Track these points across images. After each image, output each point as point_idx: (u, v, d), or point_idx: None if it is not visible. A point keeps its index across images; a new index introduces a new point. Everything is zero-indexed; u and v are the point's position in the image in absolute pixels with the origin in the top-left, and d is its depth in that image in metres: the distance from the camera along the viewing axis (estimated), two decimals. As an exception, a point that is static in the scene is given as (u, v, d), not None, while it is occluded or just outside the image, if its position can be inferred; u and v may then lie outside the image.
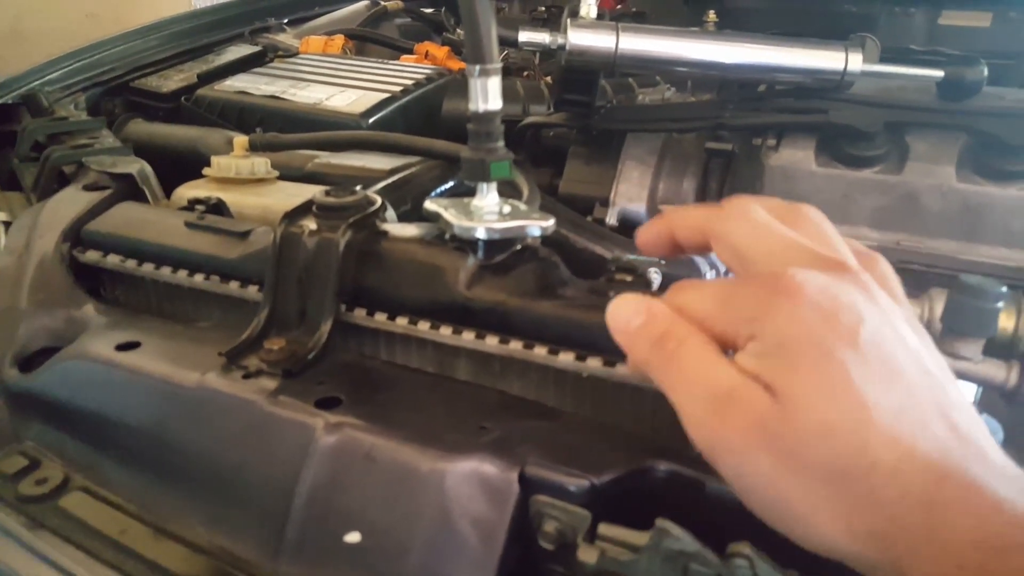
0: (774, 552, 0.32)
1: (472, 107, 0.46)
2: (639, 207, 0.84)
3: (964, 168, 0.68)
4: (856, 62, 0.68)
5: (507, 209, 0.50)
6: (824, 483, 0.26)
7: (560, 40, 0.70)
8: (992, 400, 0.43)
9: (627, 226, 0.83)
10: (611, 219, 0.84)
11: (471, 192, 0.50)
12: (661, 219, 0.37)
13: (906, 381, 0.27)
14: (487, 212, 0.49)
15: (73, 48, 1.12)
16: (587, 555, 0.35)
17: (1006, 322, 0.42)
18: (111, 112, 1.06)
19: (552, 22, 1.41)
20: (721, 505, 0.38)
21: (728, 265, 0.34)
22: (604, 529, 0.36)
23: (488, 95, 0.45)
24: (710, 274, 0.67)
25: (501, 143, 0.47)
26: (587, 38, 0.70)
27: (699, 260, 0.67)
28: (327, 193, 0.52)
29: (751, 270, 0.31)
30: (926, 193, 0.68)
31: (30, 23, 1.70)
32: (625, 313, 0.32)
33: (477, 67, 0.45)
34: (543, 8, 1.45)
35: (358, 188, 0.54)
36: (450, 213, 0.49)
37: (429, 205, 0.51)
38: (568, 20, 0.70)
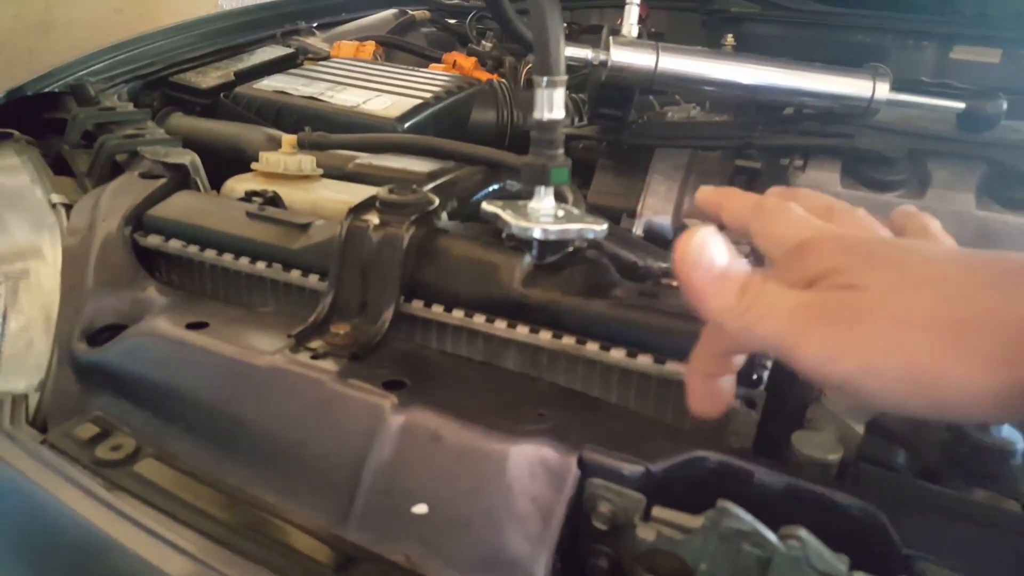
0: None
1: (536, 115, 0.49)
2: (665, 219, 0.87)
3: (982, 196, 0.71)
4: (883, 90, 0.72)
5: (561, 213, 0.53)
6: (941, 332, 0.28)
7: (602, 56, 0.73)
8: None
9: (652, 238, 0.87)
10: (637, 230, 0.87)
11: (520, 196, 0.53)
12: (718, 193, 0.41)
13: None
14: (543, 214, 0.52)
15: (101, 40, 1.15)
16: (646, 532, 0.38)
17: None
18: (150, 105, 1.09)
19: (573, 37, 1.46)
20: (767, 496, 0.41)
21: (767, 253, 0.37)
22: (658, 512, 0.39)
23: (553, 105, 0.49)
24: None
25: (561, 151, 0.51)
26: (628, 56, 0.73)
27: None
28: (390, 191, 0.55)
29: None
30: (945, 218, 0.71)
31: (60, 14, 1.73)
32: (709, 251, 0.34)
33: (545, 79, 0.48)
34: (565, 24, 1.49)
35: (415, 187, 0.57)
36: (508, 214, 0.52)
37: (487, 206, 0.54)
38: (610, 38, 0.73)
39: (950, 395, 0.28)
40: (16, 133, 0.90)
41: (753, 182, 0.83)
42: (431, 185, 0.67)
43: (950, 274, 0.30)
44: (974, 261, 0.31)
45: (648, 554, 0.38)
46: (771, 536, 0.34)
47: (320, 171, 0.79)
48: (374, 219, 0.53)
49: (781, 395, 0.46)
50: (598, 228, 0.51)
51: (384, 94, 1.03)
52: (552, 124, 0.49)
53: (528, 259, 0.52)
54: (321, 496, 0.44)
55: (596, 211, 0.88)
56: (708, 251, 0.34)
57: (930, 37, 1.28)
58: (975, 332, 0.28)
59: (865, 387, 0.30)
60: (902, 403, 0.30)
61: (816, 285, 0.32)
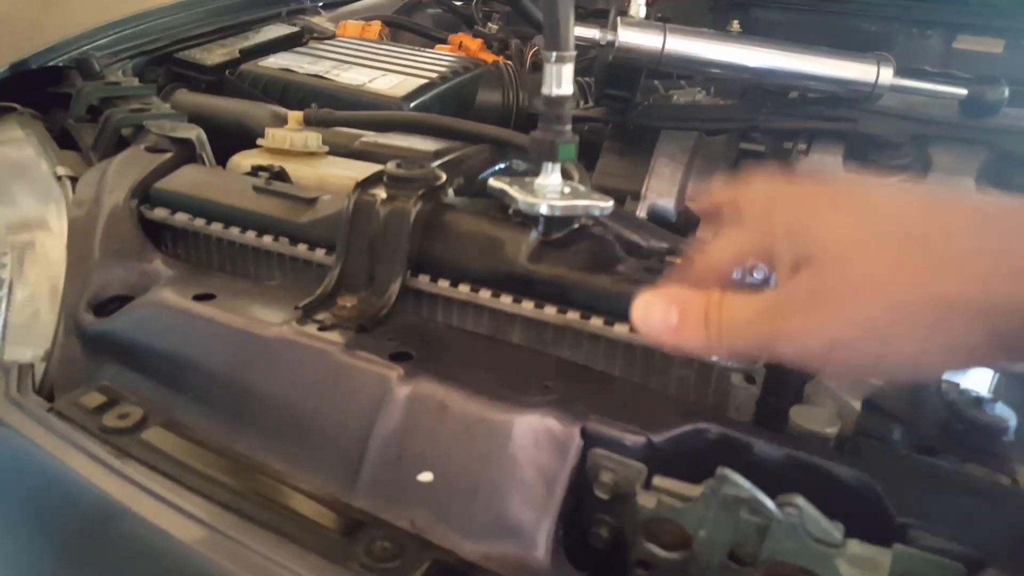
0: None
1: (545, 91, 0.50)
2: (668, 202, 0.87)
3: (983, 181, 0.72)
4: (887, 75, 0.72)
5: (567, 190, 0.53)
6: (901, 307, 0.28)
7: (610, 37, 0.73)
8: (1006, 388, 0.47)
9: (655, 220, 0.87)
10: (641, 212, 0.87)
11: (527, 174, 0.54)
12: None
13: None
14: (550, 191, 0.52)
15: (105, 14, 1.15)
16: (646, 500, 0.38)
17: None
18: (155, 81, 1.08)
19: (580, 21, 1.45)
20: (766, 467, 0.41)
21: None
22: (658, 481, 0.40)
23: (562, 81, 0.49)
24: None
25: (569, 126, 0.51)
26: (636, 37, 0.73)
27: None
28: (398, 165, 0.55)
29: None
30: (946, 203, 0.72)
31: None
32: (658, 312, 0.34)
33: (554, 54, 0.48)
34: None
35: (422, 163, 0.58)
36: (514, 190, 0.52)
37: (493, 182, 0.54)
38: (618, 18, 0.73)
39: (927, 359, 0.28)
40: (18, 107, 0.90)
41: (758, 164, 0.84)
42: (438, 162, 0.68)
43: (910, 226, 0.29)
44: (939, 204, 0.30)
45: (649, 522, 0.39)
46: (769, 503, 0.35)
47: (326, 148, 0.79)
48: (381, 193, 0.54)
49: (780, 371, 0.47)
50: (604, 205, 0.51)
51: (390, 73, 1.03)
52: (560, 99, 0.49)
53: (534, 235, 0.52)
54: (328, 464, 0.44)
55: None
56: (653, 312, 0.34)
57: (934, 26, 1.27)
58: (941, 308, 0.27)
59: (836, 362, 0.30)
60: (875, 370, 0.31)
61: (779, 243, 0.33)
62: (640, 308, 0.35)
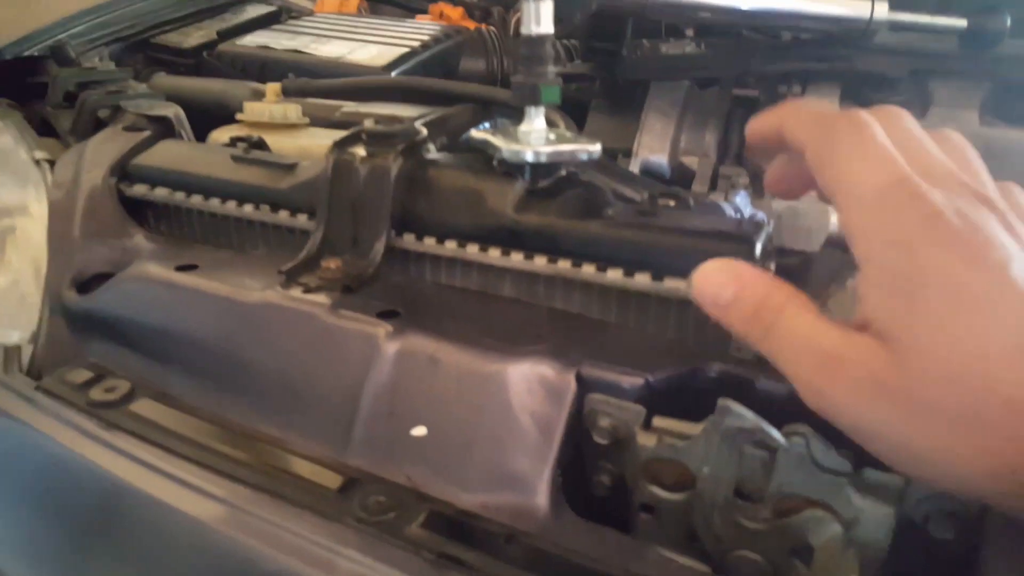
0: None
1: (524, 31, 0.48)
2: (661, 158, 0.85)
3: (986, 113, 0.70)
4: (882, 10, 0.70)
5: (553, 136, 0.51)
6: (953, 426, 0.24)
7: (592, -15, 0.70)
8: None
9: (649, 176, 0.85)
10: (634, 169, 0.85)
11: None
12: (773, 114, 0.34)
13: None
14: (534, 137, 0.50)
15: (84, 4, 1.13)
16: (646, 440, 0.37)
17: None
18: (132, 67, 1.07)
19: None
20: (770, 403, 0.40)
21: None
22: (658, 421, 0.38)
23: (540, 18, 0.47)
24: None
25: (551, 68, 0.49)
26: (619, -17, 0.71)
27: (724, 205, 0.69)
28: (376, 122, 0.53)
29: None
30: (948, 137, 0.70)
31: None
32: (714, 284, 0.31)
33: (531, -9, 0.46)
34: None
35: (403, 119, 0.56)
36: (498, 139, 0.51)
37: (475, 133, 0.53)
38: (600, -34, 0.71)
39: (937, 479, 0.26)
40: (-5, 97, 0.89)
41: (751, 112, 0.81)
42: (421, 120, 0.66)
43: None
44: None
45: (650, 463, 0.38)
46: (774, 432, 0.33)
47: (307, 120, 0.77)
48: (361, 151, 0.52)
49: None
50: (592, 149, 0.50)
51: (370, 44, 1.01)
52: (541, 39, 0.47)
53: (520, 184, 0.50)
54: (321, 425, 0.43)
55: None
56: (710, 282, 0.31)
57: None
58: (985, 440, 0.24)
59: (857, 441, 0.27)
60: (894, 465, 0.27)
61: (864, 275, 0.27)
62: (702, 273, 0.31)
